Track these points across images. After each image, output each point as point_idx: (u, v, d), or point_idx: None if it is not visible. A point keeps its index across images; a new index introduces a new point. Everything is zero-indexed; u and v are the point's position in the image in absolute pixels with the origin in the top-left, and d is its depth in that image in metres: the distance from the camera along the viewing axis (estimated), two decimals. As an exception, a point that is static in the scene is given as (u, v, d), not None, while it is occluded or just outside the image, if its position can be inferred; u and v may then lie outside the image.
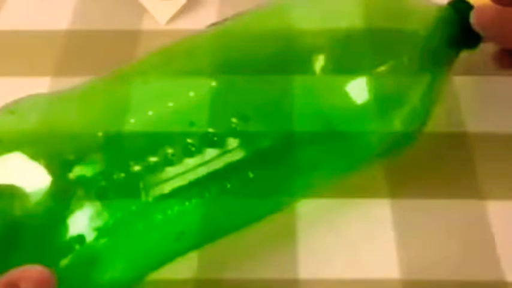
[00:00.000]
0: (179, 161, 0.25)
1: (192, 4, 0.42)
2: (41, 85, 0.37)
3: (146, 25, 0.41)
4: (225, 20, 0.30)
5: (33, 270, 0.21)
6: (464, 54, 0.38)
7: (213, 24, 0.30)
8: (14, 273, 0.21)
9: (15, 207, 0.23)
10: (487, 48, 0.38)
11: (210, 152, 0.25)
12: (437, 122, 0.35)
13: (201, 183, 0.25)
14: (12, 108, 0.26)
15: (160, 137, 0.25)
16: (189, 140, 0.25)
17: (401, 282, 0.29)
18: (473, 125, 0.35)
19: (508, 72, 0.35)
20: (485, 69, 0.37)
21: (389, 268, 0.30)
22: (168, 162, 0.24)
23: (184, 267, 0.29)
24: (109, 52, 0.39)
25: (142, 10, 0.42)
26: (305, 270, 0.30)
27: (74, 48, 0.39)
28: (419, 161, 0.33)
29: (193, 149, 0.25)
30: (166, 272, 0.27)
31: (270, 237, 0.31)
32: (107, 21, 0.41)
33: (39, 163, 0.23)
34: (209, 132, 0.25)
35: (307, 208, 0.32)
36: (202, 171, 0.25)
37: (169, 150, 0.24)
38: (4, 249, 0.23)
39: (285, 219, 0.31)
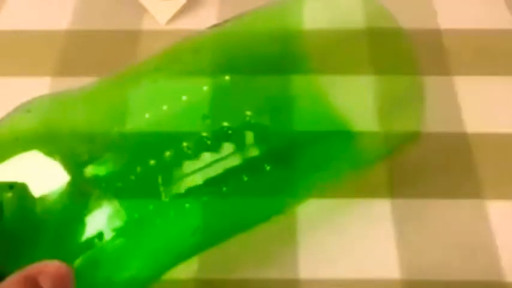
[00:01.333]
0: (196, 156, 0.25)
1: (192, 4, 0.42)
2: (41, 85, 0.37)
3: (146, 25, 0.41)
4: (225, 21, 0.30)
5: (51, 266, 0.21)
6: (463, 54, 0.39)
7: (214, 26, 0.30)
8: (33, 268, 0.21)
9: (33, 204, 0.23)
10: (486, 46, 0.39)
11: (226, 146, 0.25)
12: (437, 122, 0.35)
13: (218, 177, 0.25)
14: (27, 107, 0.26)
15: (175, 133, 0.25)
16: (204, 134, 0.25)
17: (401, 283, 0.29)
18: (473, 125, 0.35)
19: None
20: (485, 69, 0.37)
21: (390, 268, 0.30)
22: (184, 157, 0.24)
23: (185, 267, 0.29)
24: (109, 52, 0.39)
25: (142, 10, 0.42)
26: (305, 270, 0.30)
27: (74, 48, 0.39)
28: (419, 161, 0.33)
29: (208, 142, 0.25)
30: (167, 273, 0.27)
31: (270, 237, 0.31)
32: (107, 21, 0.41)
33: (56, 161, 0.23)
34: (224, 126, 0.25)
35: (307, 208, 0.32)
36: (219, 165, 0.25)
37: (185, 145, 0.25)
38: (23, 245, 0.23)
39: (285, 219, 0.31)
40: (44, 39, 0.40)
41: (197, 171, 0.25)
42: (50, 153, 0.24)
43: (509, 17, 0.40)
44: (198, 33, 0.29)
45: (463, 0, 0.41)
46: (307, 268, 0.30)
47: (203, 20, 0.41)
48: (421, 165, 0.33)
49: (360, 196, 0.32)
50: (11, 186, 0.23)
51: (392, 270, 0.29)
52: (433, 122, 0.35)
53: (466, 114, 0.35)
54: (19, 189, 0.23)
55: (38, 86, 0.37)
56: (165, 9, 0.41)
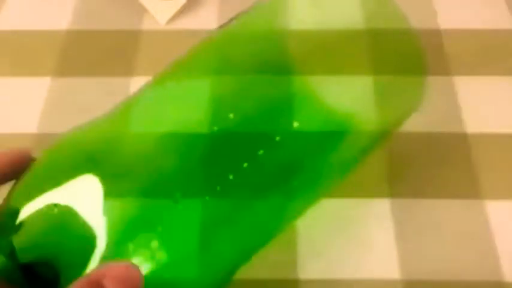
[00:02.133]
0: (208, 159, 0.25)
1: (192, 4, 0.42)
2: (41, 85, 0.37)
3: (146, 25, 0.41)
4: (231, 20, 0.30)
5: (117, 268, 0.19)
6: (463, 54, 0.39)
7: (220, 27, 0.30)
8: (97, 271, 0.19)
9: (81, 223, 0.22)
10: (486, 46, 0.39)
11: (230, 147, 0.25)
12: (437, 122, 0.35)
13: (224, 178, 0.25)
14: (73, 132, 0.26)
15: (180, 138, 0.25)
16: (209, 137, 0.25)
17: (401, 283, 0.29)
18: (473, 125, 0.35)
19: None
20: (485, 69, 0.37)
21: (390, 268, 0.30)
22: (197, 162, 0.24)
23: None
24: (109, 52, 0.39)
25: (142, 10, 0.42)
26: (305, 271, 0.30)
27: (74, 48, 0.40)
28: (419, 161, 0.33)
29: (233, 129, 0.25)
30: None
31: (270, 237, 0.31)
32: (107, 21, 0.41)
33: (100, 184, 0.23)
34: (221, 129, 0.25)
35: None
36: (227, 165, 0.25)
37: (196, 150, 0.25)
38: (79, 261, 0.22)
39: (285, 219, 0.31)
40: (44, 39, 0.40)
41: (206, 171, 0.25)
42: (96, 176, 0.23)
43: (509, 17, 0.40)
44: (207, 34, 0.29)
45: (463, 0, 0.41)
46: (307, 268, 0.30)
47: (203, 20, 0.41)
48: (420, 165, 0.33)
49: (359, 196, 0.32)
50: (57, 205, 0.23)
51: (392, 270, 0.29)
52: (433, 122, 0.35)
53: (466, 114, 0.35)
54: (65, 208, 0.23)
55: (38, 86, 0.37)
56: (165, 9, 0.41)
